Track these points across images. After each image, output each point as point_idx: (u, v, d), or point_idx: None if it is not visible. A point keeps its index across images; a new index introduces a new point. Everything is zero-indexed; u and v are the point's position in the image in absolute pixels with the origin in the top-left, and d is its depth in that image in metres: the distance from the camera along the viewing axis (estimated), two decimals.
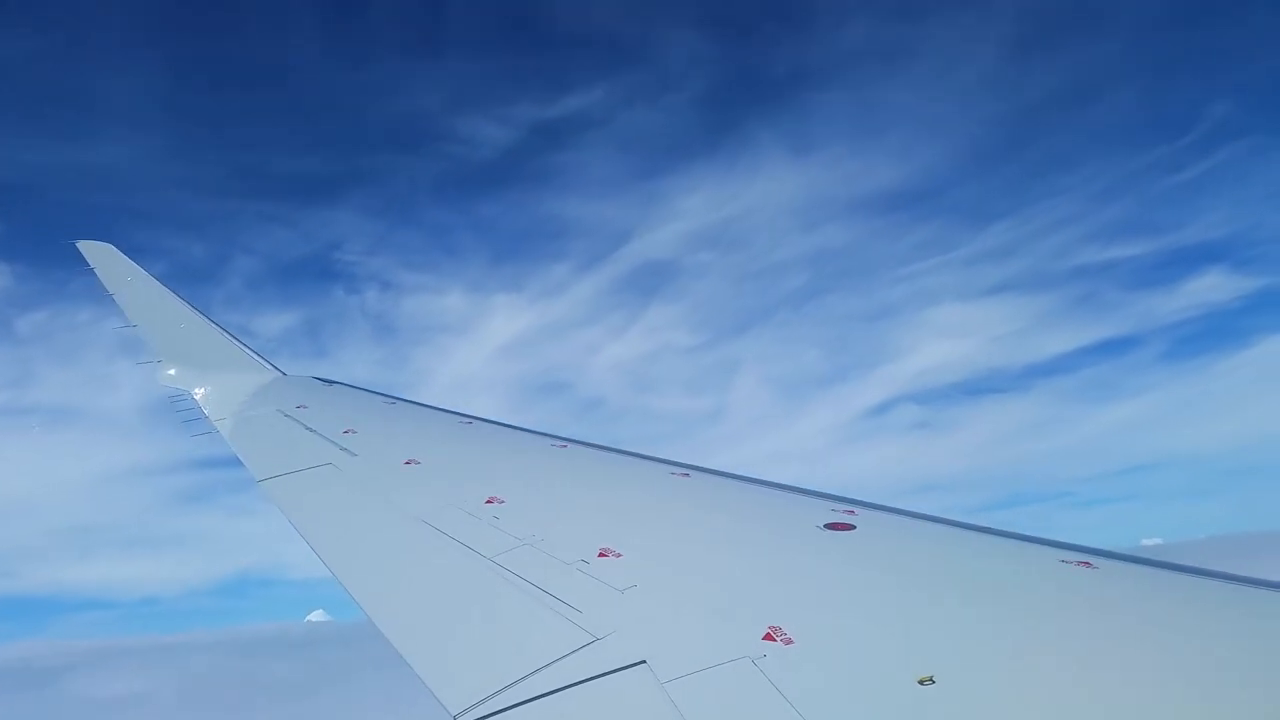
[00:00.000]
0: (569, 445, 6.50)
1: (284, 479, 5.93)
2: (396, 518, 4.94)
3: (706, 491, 5.23)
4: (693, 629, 3.20)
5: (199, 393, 9.25)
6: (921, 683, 2.56)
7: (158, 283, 11.80)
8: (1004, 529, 3.97)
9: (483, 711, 2.88)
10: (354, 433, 6.84)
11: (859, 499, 4.53)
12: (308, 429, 7.23)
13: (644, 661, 2.96)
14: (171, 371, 9.96)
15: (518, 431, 7.18)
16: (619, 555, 3.89)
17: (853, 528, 4.01)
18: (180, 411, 8.86)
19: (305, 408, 7.96)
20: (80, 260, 12.01)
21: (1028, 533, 3.89)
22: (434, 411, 8.07)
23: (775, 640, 2.93)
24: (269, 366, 10.39)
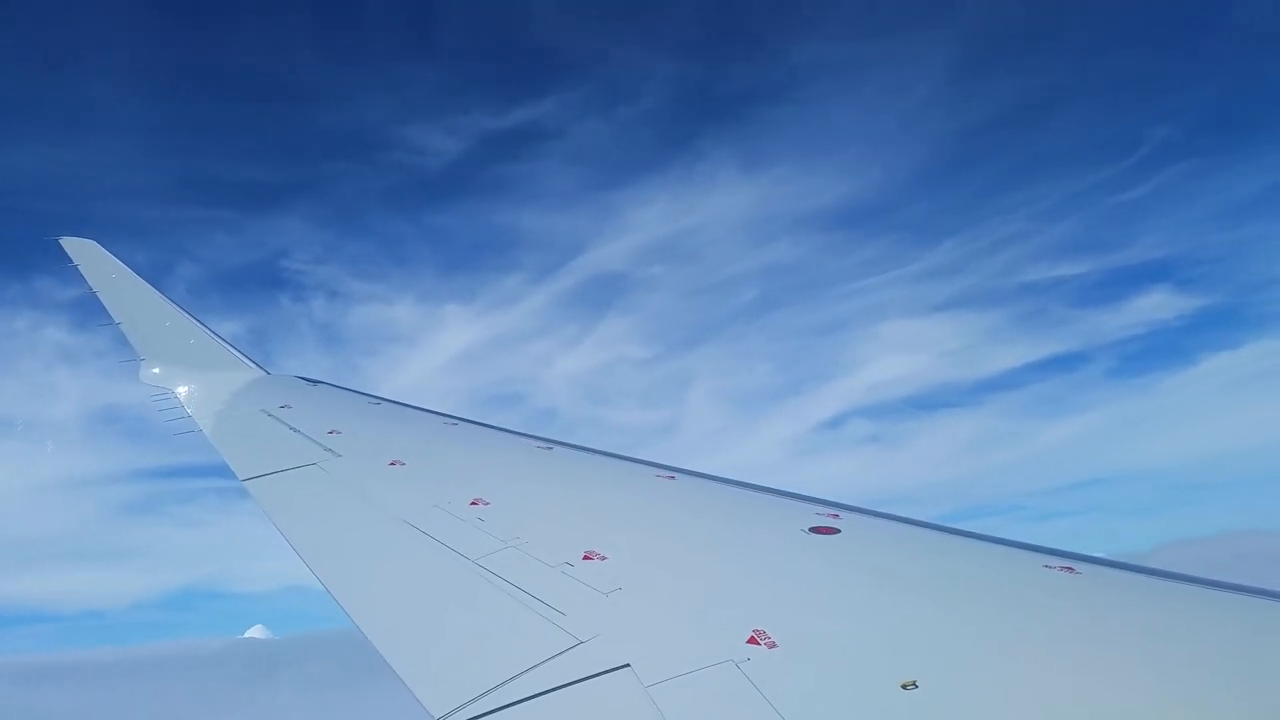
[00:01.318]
0: (554, 447, 6.48)
1: (268, 479, 5.89)
2: (380, 519, 4.92)
3: (691, 494, 5.23)
4: (677, 632, 3.20)
5: (182, 391, 9.17)
6: (905, 687, 2.56)
7: (141, 280, 11.71)
8: (987, 534, 3.98)
9: (466, 715, 2.87)
10: (338, 433, 6.80)
11: (844, 503, 4.54)
12: (292, 429, 7.18)
13: (628, 665, 2.96)
14: (156, 370, 9.86)
15: (502, 433, 7.15)
16: (604, 558, 3.88)
17: (837, 531, 4.02)
18: (163, 410, 8.79)
19: (289, 407, 7.90)
20: (63, 257, 11.90)
21: (1010, 538, 3.91)
22: (419, 412, 8.03)
23: (759, 644, 2.93)
24: (252, 365, 10.32)
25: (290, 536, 4.83)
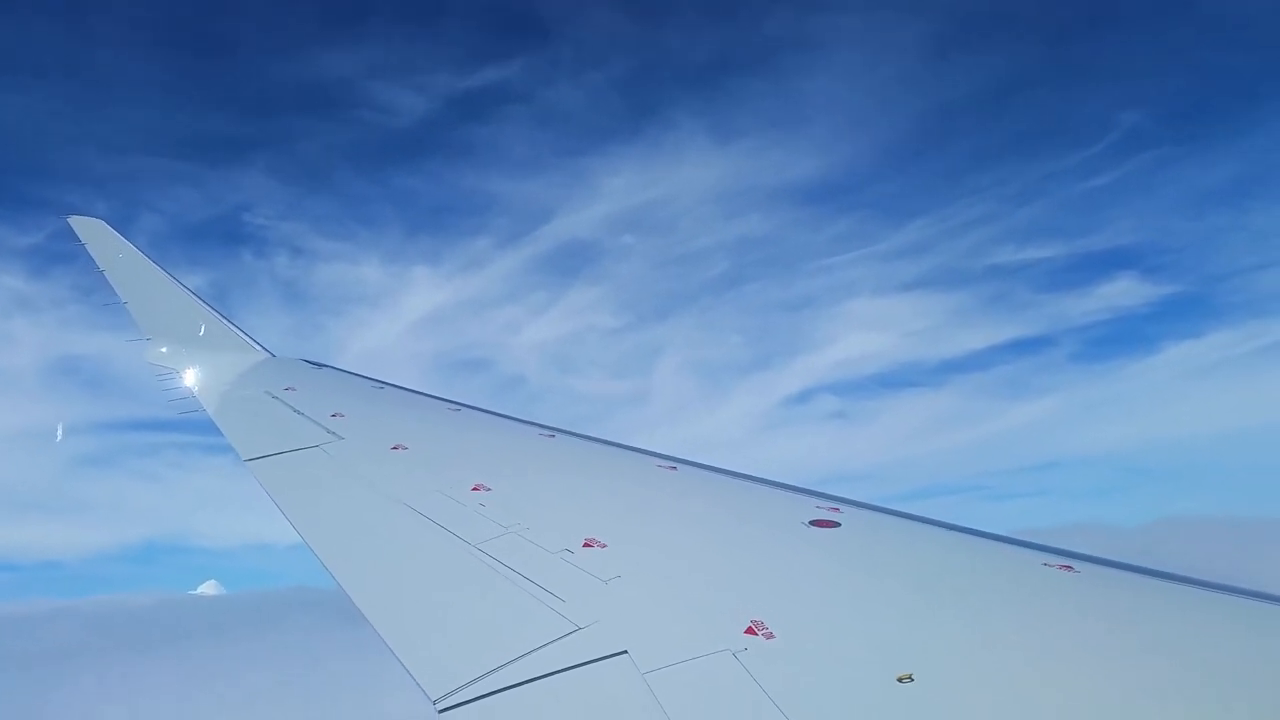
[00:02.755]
0: (556, 435, 6.49)
1: (270, 460, 5.91)
2: (382, 502, 4.93)
3: (693, 485, 5.24)
4: (675, 621, 3.21)
5: (187, 372, 9.20)
6: (901, 680, 2.57)
7: (148, 259, 11.72)
8: (987, 530, 3.99)
9: (463, 697, 2.88)
10: (341, 416, 6.82)
11: (845, 497, 4.54)
12: (295, 411, 7.20)
13: (625, 652, 2.97)
14: (163, 349, 9.89)
15: (505, 420, 7.17)
16: (604, 546, 3.89)
17: (837, 525, 4.03)
18: (167, 390, 8.82)
19: (293, 390, 7.92)
20: (71, 235, 11.92)
21: (1007, 534, 3.92)
22: (422, 397, 8.05)
23: (757, 635, 2.94)
24: (257, 347, 10.34)
25: (292, 517, 4.85)
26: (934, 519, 4.23)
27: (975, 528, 4.04)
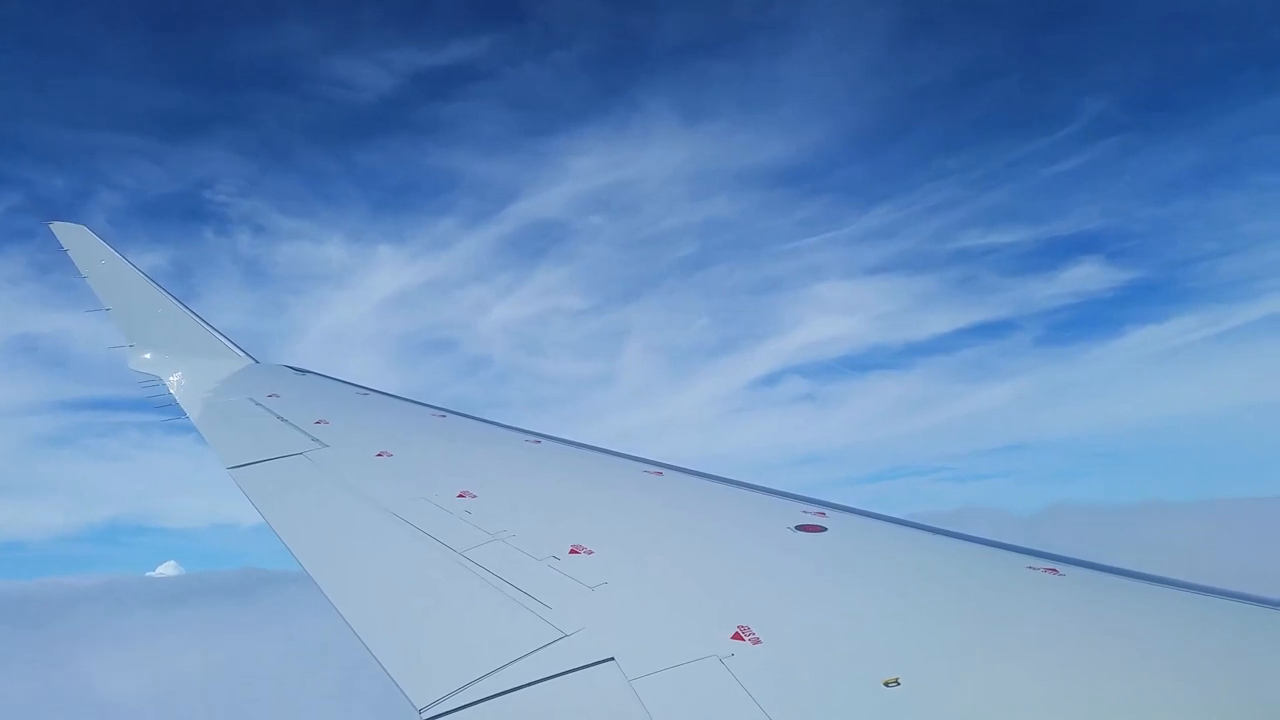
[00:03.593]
0: (542, 441, 6.48)
1: (254, 468, 5.87)
2: (367, 510, 4.90)
3: (679, 491, 5.23)
4: (662, 627, 3.20)
5: (171, 378, 9.13)
6: (887, 684, 2.57)
7: (131, 266, 11.63)
8: (972, 535, 4.00)
9: (449, 706, 2.87)
10: (326, 423, 6.78)
11: (830, 501, 4.55)
12: (279, 418, 7.15)
13: (612, 658, 2.96)
14: (147, 356, 9.83)
15: (491, 426, 7.14)
16: (590, 552, 3.88)
17: (823, 529, 4.03)
18: (153, 398, 8.75)
19: (277, 396, 7.87)
20: (53, 241, 11.81)
21: (989, 537, 3.94)
22: (406, 404, 8.02)
23: (744, 640, 2.94)
24: (241, 354, 10.28)
25: (276, 525, 4.82)
26: (920, 523, 4.25)
27: (960, 532, 4.06)
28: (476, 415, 7.40)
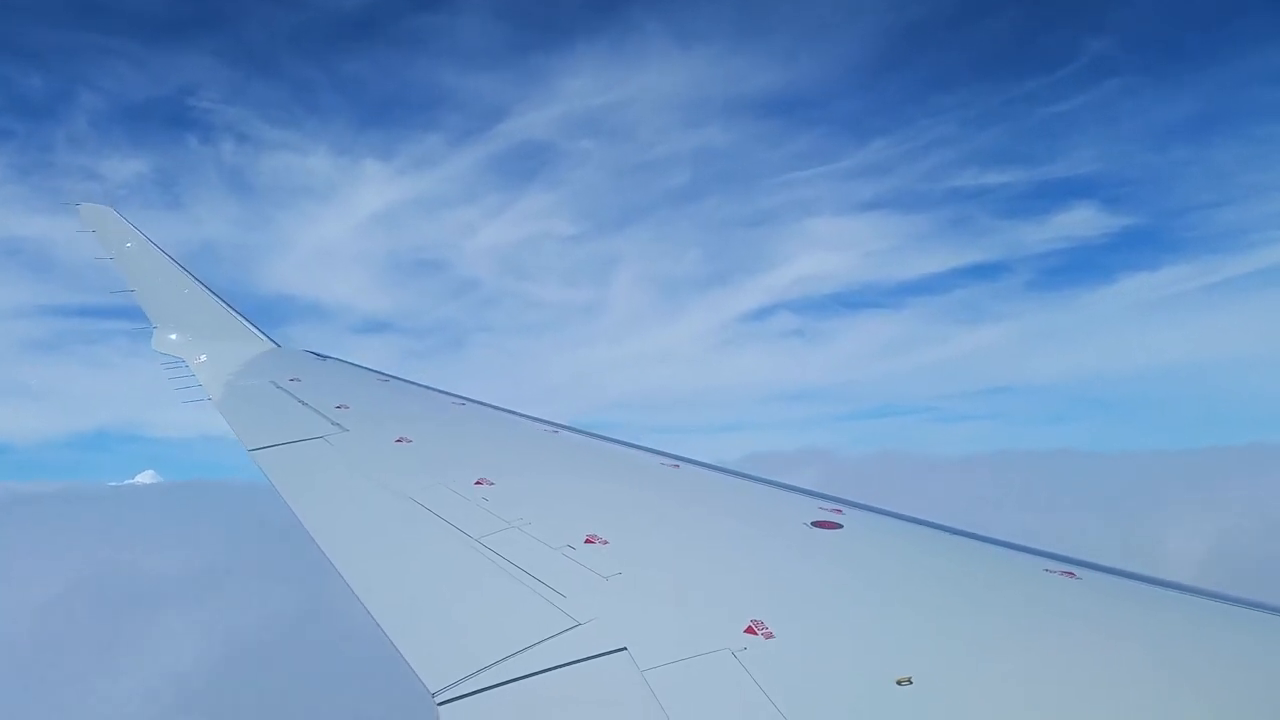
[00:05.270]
0: (560, 431, 6.51)
1: (275, 450, 5.93)
2: (386, 495, 4.95)
3: (696, 484, 5.24)
4: (675, 619, 3.21)
5: (194, 360, 9.23)
6: (899, 683, 2.57)
7: (156, 247, 11.75)
8: (989, 535, 3.99)
9: (462, 690, 2.89)
10: (346, 408, 6.84)
11: (848, 499, 4.55)
12: (300, 402, 7.22)
13: (625, 648, 2.98)
14: (173, 337, 9.95)
15: (510, 415, 7.19)
16: (605, 542, 3.90)
17: (840, 527, 4.03)
18: (175, 379, 8.85)
19: (298, 381, 7.95)
20: (79, 222, 11.95)
21: (1003, 537, 3.93)
22: (427, 391, 8.08)
23: (756, 634, 2.94)
24: (263, 338, 10.38)
25: (296, 507, 4.87)
26: (936, 523, 4.23)
27: (978, 532, 4.04)
28: (495, 404, 7.45)
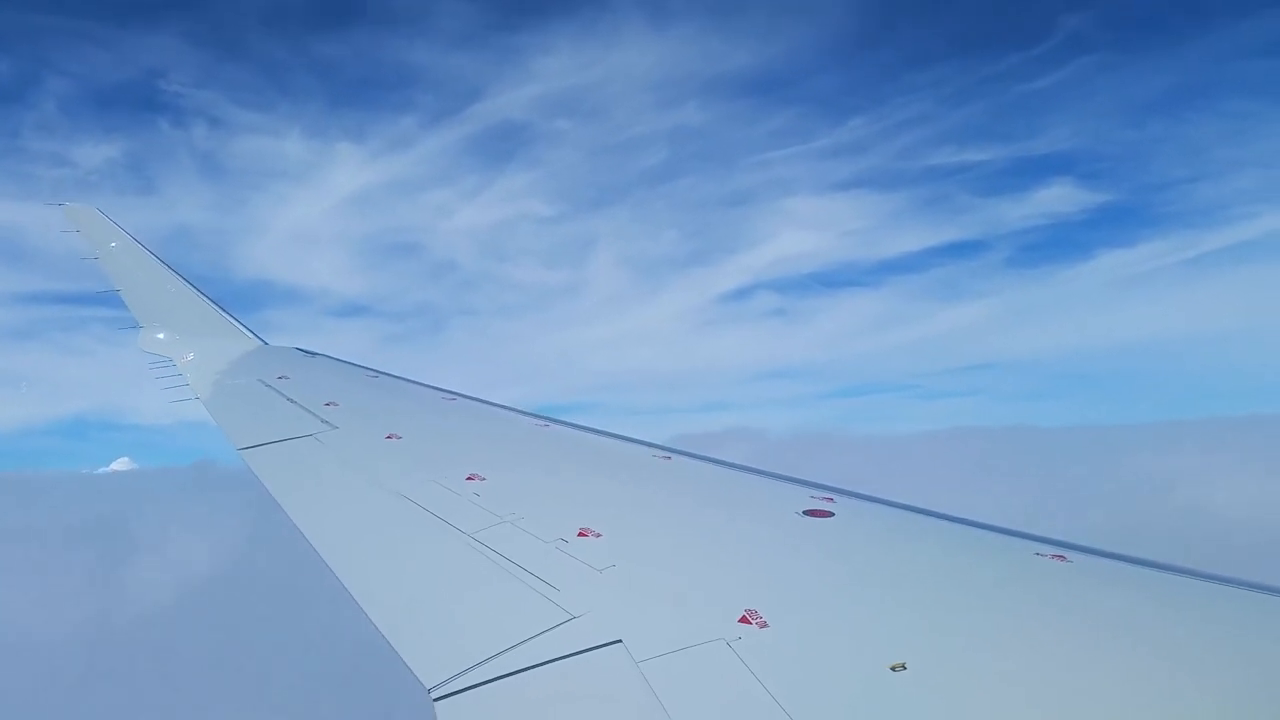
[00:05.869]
0: (551, 425, 6.50)
1: (264, 449, 5.90)
2: (377, 492, 4.93)
3: (687, 475, 5.25)
4: (669, 610, 3.22)
5: (181, 359, 9.18)
6: (894, 669, 2.59)
7: (141, 247, 11.67)
8: (980, 521, 4.01)
9: (458, 686, 2.89)
10: (335, 405, 6.81)
11: (839, 487, 4.56)
12: (289, 400, 7.18)
13: (620, 641, 2.98)
14: (160, 336, 9.89)
15: (500, 409, 7.17)
16: (598, 535, 3.90)
17: (831, 515, 4.04)
18: (162, 378, 8.80)
19: (286, 378, 7.91)
20: (63, 222, 11.86)
21: (997, 523, 3.95)
22: (416, 386, 8.05)
23: (751, 623, 2.95)
24: (251, 335, 10.33)
25: (287, 506, 4.85)
26: (926, 509, 4.25)
27: (968, 518, 4.06)
28: (484, 399, 7.44)
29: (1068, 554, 3.49)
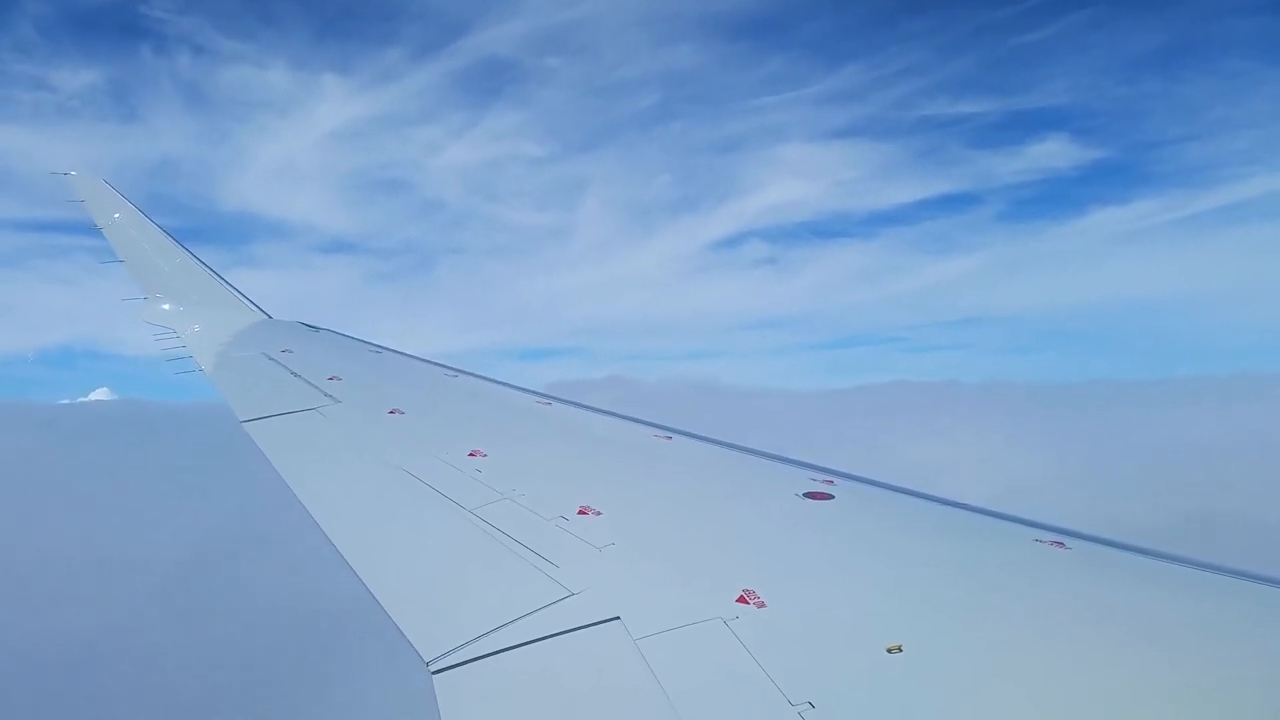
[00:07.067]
0: (553, 403, 6.51)
1: (268, 421, 5.92)
2: (379, 466, 4.95)
3: (688, 455, 5.26)
4: (667, 588, 3.24)
5: (185, 330, 9.19)
6: (890, 651, 2.60)
7: (146, 218, 11.67)
8: (979, 506, 4.02)
9: (456, 660, 2.92)
10: (339, 380, 6.83)
11: (839, 470, 4.57)
12: (292, 373, 7.20)
13: (618, 618, 3.00)
14: (164, 308, 9.90)
15: (503, 387, 7.19)
16: (599, 513, 3.92)
17: (831, 498, 4.05)
18: (166, 350, 8.81)
19: (290, 352, 7.92)
20: (69, 191, 11.85)
21: (990, 508, 3.96)
22: (419, 362, 8.07)
23: (749, 603, 2.97)
24: (255, 308, 10.34)
25: (289, 478, 4.87)
26: (927, 494, 4.26)
27: (968, 503, 4.07)
28: (488, 376, 7.45)
29: (1067, 541, 3.50)
